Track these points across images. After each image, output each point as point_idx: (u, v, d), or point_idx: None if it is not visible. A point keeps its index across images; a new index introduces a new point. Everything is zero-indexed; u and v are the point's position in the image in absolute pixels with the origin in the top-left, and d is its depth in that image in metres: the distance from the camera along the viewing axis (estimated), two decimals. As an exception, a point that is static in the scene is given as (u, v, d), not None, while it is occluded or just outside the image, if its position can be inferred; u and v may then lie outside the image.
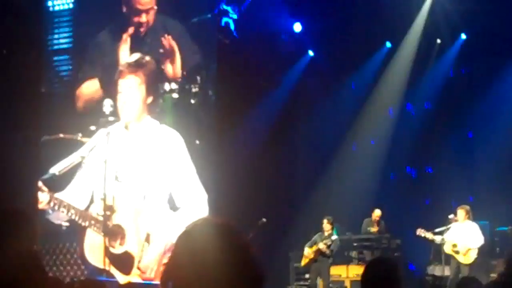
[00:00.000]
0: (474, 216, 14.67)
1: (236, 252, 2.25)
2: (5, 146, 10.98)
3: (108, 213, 11.85)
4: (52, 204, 12.53)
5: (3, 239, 3.67)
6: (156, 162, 13.81)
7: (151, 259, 13.26)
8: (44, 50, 13.50)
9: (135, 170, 13.52)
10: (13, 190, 10.39)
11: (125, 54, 14.10)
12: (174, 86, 14.15)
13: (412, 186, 19.22)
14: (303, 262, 15.11)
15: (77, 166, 13.25)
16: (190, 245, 2.25)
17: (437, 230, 14.49)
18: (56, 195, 12.79)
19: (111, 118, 13.84)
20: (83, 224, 12.89)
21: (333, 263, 15.87)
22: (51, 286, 3.03)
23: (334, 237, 14.83)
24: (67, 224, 13.25)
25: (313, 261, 14.88)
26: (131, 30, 14.07)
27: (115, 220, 12.60)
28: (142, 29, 14.17)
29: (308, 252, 14.88)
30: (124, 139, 13.61)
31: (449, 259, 14.33)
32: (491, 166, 17.69)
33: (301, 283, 16.11)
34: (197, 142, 14.13)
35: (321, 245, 14.70)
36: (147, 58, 13.95)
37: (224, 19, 14.91)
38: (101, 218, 12.29)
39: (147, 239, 13.42)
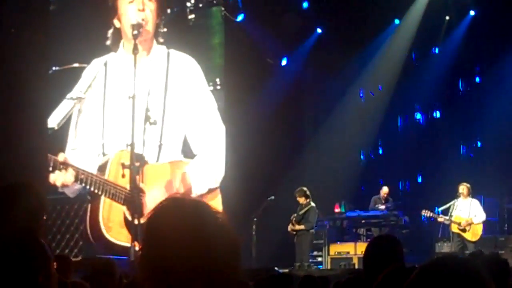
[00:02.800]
0: (484, 193, 14.82)
1: (207, 227, 2.08)
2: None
3: (137, 165, 9.29)
4: (81, 179, 10.38)
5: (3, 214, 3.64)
6: (174, 97, 11.94)
7: None
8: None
9: (155, 108, 11.20)
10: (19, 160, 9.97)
11: None
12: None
13: (420, 162, 19.20)
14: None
15: (76, 111, 11.33)
16: (161, 228, 2.09)
17: (441, 208, 14.71)
18: (64, 157, 10.45)
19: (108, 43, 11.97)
20: (99, 192, 10.63)
21: (342, 240, 15.91)
22: (56, 265, 3.04)
23: (310, 205, 14.49)
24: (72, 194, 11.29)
25: (295, 236, 14.49)
26: None
27: (145, 179, 10.23)
28: None
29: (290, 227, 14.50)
30: (130, 69, 10.75)
31: (454, 236, 14.45)
32: (500, 141, 17.59)
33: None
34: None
35: (290, 227, 14.50)
36: None
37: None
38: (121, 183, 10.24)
39: None
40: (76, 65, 11.80)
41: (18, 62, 10.42)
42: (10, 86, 10.35)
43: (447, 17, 18.15)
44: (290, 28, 16.73)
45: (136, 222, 9.43)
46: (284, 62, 17.88)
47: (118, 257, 9.65)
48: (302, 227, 14.32)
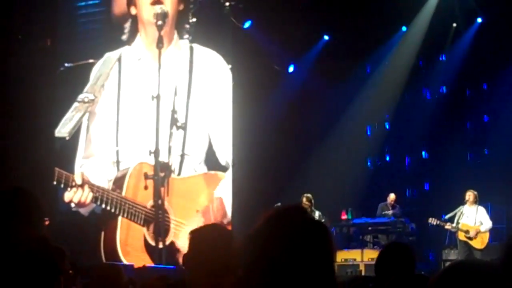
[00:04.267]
0: (491, 200, 14.82)
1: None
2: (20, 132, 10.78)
3: (162, 175, 8.14)
4: (95, 197, 9.39)
5: (11, 221, 3.64)
6: (199, 100, 10.56)
7: None
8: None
9: (179, 111, 9.86)
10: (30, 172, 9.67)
11: None
12: None
13: (426, 170, 19.18)
14: None
15: (87, 115, 10.08)
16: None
17: (447, 216, 14.71)
18: (82, 177, 9.42)
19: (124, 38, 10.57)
20: (116, 212, 9.57)
21: (349, 247, 15.94)
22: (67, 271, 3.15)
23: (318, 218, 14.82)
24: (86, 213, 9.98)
25: None
26: None
27: (169, 195, 8.99)
28: None
29: None
30: (148, 65, 9.91)
31: (461, 244, 14.43)
32: (507, 151, 17.58)
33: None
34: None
35: None
36: None
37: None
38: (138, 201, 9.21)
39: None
40: (91, 61, 10.56)
41: (26, 69, 10.46)
42: (18, 93, 10.39)
43: (454, 24, 18.14)
44: (297, 35, 16.74)
45: (160, 245, 8.59)
46: (291, 69, 17.91)
47: (124, 263, 9.27)
48: None
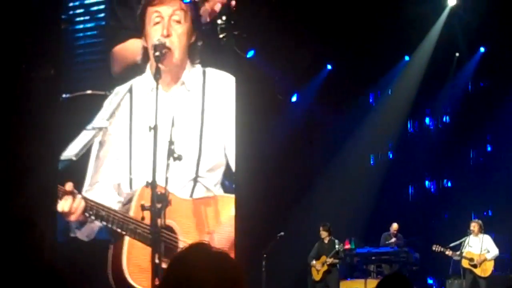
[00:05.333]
0: (494, 229, 14.77)
1: (226, 281, 2.23)
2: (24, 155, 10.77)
3: (159, 206, 7.96)
4: (88, 213, 9.39)
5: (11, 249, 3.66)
6: (213, 122, 10.59)
7: None
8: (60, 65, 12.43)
9: (189, 140, 9.94)
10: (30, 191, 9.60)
11: None
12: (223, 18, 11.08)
13: (431, 199, 19.16)
14: (317, 275, 15.14)
15: (97, 142, 10.24)
16: (183, 272, 2.23)
17: (452, 244, 14.63)
18: (71, 186, 9.49)
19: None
20: (121, 231, 9.56)
21: (352, 277, 15.93)
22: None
23: (338, 245, 15.03)
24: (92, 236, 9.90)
25: (327, 273, 15.04)
26: None
27: (169, 216, 8.65)
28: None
29: (318, 264, 15.05)
30: (160, 94, 9.23)
31: (466, 272, 14.37)
32: (510, 180, 17.58)
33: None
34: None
35: (329, 260, 14.96)
36: None
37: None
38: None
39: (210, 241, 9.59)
40: (89, 92, 10.67)
41: (30, 98, 10.51)
42: (22, 122, 10.44)
43: (457, 54, 18.20)
44: (300, 64, 16.79)
45: (164, 265, 8.01)
46: (294, 98, 17.95)
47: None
48: (336, 261, 14.92)
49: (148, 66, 10.69)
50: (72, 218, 9.65)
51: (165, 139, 8.17)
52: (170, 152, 8.19)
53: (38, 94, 10.51)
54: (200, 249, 2.29)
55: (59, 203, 9.60)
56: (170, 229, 9.42)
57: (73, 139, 10.46)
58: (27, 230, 3.85)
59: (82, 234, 9.89)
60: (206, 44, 11.17)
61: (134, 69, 10.84)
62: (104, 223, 9.47)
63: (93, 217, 9.45)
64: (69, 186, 9.59)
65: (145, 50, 10.72)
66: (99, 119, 10.29)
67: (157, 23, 10.50)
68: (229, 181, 10.99)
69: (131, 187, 10.24)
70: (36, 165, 9.78)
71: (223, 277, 2.21)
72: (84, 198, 9.52)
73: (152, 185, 7.92)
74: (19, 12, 10.58)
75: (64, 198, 9.46)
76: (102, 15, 11.48)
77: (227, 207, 10.84)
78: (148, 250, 9.06)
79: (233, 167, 11.03)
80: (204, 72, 10.95)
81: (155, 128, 8.06)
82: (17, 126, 10.23)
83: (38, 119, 10.11)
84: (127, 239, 9.63)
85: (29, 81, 10.42)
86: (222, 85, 11.02)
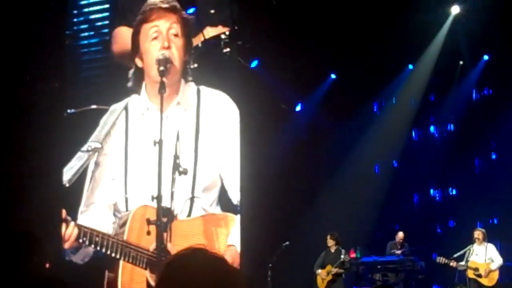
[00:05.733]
0: (500, 237, 14.78)
1: (226, 284, 2.14)
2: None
3: (165, 221, 7.96)
4: (82, 239, 9.07)
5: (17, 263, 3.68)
6: (207, 141, 10.42)
7: None
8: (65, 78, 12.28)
9: (184, 160, 9.19)
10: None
11: None
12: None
13: (436, 208, 19.14)
14: (321, 284, 15.20)
15: (92, 163, 10.01)
16: (181, 273, 2.14)
17: (456, 255, 14.63)
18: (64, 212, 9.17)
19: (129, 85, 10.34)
20: (117, 256, 9.26)
21: (358, 286, 15.93)
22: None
23: (343, 256, 15.09)
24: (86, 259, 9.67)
25: (331, 282, 15.10)
26: None
27: (172, 235, 8.55)
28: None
29: (323, 273, 15.10)
30: (155, 113, 9.64)
31: (471, 282, 14.36)
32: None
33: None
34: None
35: (334, 270, 15.09)
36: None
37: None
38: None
39: None
40: (94, 106, 10.35)
41: (33, 112, 10.53)
42: (24, 136, 10.46)
43: (461, 62, 18.22)
44: (304, 74, 16.81)
45: None
46: (298, 108, 17.97)
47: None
48: (341, 271, 15.05)
49: (143, 86, 10.45)
50: (66, 245, 9.39)
51: (164, 154, 8.18)
52: (176, 166, 8.19)
53: (42, 107, 10.54)
54: (199, 252, 2.21)
55: None
56: (167, 252, 8.70)
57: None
58: (28, 242, 3.87)
59: (77, 258, 9.64)
60: (201, 63, 10.86)
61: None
62: (98, 248, 9.21)
63: (86, 243, 9.19)
64: (62, 213, 9.34)
65: (138, 70, 10.37)
66: (93, 140, 10.10)
67: (155, 38, 10.21)
68: (225, 201, 10.60)
69: (127, 207, 10.03)
70: (38, 181, 9.78)
71: (223, 279, 2.12)
72: (78, 225, 9.24)
73: (158, 199, 7.91)
74: (24, 26, 10.63)
75: None
76: (106, 30, 11.39)
77: (222, 226, 10.60)
78: (143, 273, 9.23)
79: (230, 183, 10.68)
80: (198, 91, 10.70)
81: (160, 143, 8.09)
82: (20, 138, 10.28)
83: (42, 133, 10.13)
84: (121, 262, 9.40)
85: (33, 94, 10.45)
86: (217, 105, 10.78)
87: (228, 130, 10.84)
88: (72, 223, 9.22)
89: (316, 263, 15.32)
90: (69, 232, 9.18)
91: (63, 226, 9.19)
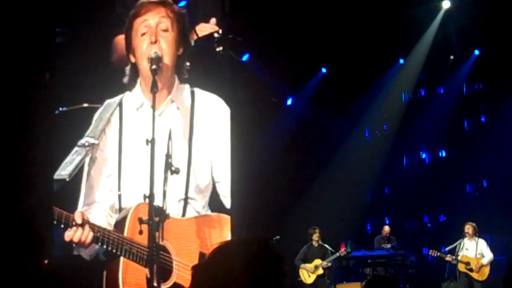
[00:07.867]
0: (491, 232, 14.83)
1: (268, 270, 2.30)
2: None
3: (157, 220, 7.89)
4: (96, 238, 9.05)
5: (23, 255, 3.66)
6: (201, 144, 10.37)
7: None
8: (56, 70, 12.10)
9: (181, 155, 9.64)
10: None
11: None
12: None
13: (425, 202, 19.17)
14: (309, 279, 15.22)
15: (88, 159, 9.91)
16: (226, 261, 2.29)
17: (447, 248, 14.69)
18: (81, 216, 9.07)
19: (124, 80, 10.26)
20: (117, 252, 9.22)
21: (348, 280, 15.98)
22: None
23: (339, 252, 15.32)
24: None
25: (320, 276, 15.15)
26: None
27: (167, 235, 8.71)
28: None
29: (309, 267, 15.14)
30: (149, 110, 9.53)
31: (461, 276, 14.41)
32: (506, 182, 17.59)
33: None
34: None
35: (324, 263, 15.21)
36: None
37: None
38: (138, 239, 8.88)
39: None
40: (85, 105, 10.21)
41: (25, 103, 10.45)
42: (16, 128, 10.38)
43: (452, 57, 18.24)
44: (295, 68, 16.80)
45: (163, 286, 8.20)
46: (289, 101, 17.96)
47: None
48: (329, 264, 15.25)
49: (138, 81, 10.36)
50: (82, 249, 9.44)
51: (157, 153, 8.14)
52: (168, 165, 8.15)
53: (33, 99, 10.47)
54: (241, 240, 2.39)
55: (67, 233, 9.20)
56: (164, 248, 9.19)
57: (68, 153, 10.25)
58: (27, 233, 3.85)
59: (86, 254, 9.61)
60: (192, 60, 10.66)
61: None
62: (104, 246, 9.23)
63: (94, 242, 9.21)
64: (78, 217, 9.25)
65: (133, 66, 10.28)
66: (90, 136, 9.99)
67: (144, 33, 10.10)
68: (216, 202, 10.60)
69: (120, 204, 10.00)
70: (30, 179, 9.70)
71: (262, 264, 2.28)
72: (90, 226, 9.20)
73: (150, 198, 7.90)
74: (16, 18, 10.57)
75: (74, 229, 9.13)
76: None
77: (217, 227, 10.59)
78: (143, 270, 8.95)
79: (222, 186, 10.70)
80: (192, 92, 10.63)
81: (152, 142, 8.06)
82: (11, 132, 10.22)
83: (35, 127, 10.07)
84: (122, 259, 9.37)
85: (25, 87, 10.39)
86: (212, 109, 10.73)
87: (221, 134, 10.83)
88: (87, 226, 9.14)
89: (297, 257, 15.31)
90: (85, 235, 9.13)
91: (80, 230, 9.10)
